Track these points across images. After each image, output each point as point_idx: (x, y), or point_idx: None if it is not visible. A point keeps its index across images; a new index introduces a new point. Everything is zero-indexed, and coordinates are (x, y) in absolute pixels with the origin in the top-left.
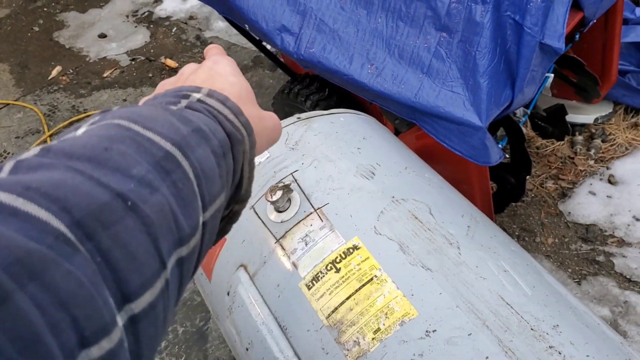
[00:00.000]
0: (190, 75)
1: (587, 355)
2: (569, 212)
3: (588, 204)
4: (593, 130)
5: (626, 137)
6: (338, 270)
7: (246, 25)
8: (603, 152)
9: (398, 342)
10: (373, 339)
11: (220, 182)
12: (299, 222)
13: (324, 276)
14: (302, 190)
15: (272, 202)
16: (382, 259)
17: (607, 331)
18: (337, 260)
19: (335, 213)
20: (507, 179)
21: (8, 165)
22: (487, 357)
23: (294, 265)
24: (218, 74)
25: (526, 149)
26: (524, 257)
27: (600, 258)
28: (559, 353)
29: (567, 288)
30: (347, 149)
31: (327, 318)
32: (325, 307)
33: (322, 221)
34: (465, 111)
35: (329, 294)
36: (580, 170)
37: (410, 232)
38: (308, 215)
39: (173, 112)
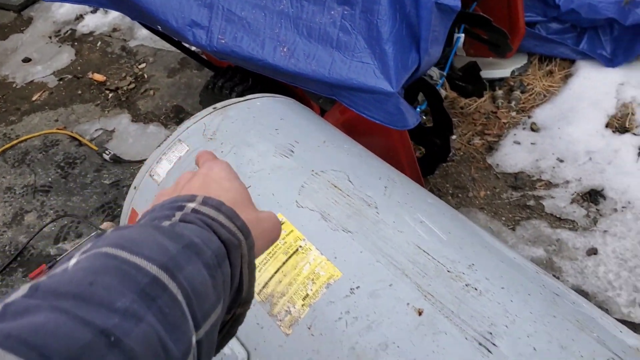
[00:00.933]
0: (185, 184)
1: (502, 287)
2: (497, 164)
3: (514, 154)
4: (512, 83)
5: (543, 85)
6: (269, 251)
7: (158, 27)
8: (523, 103)
9: (326, 304)
10: (302, 305)
11: (215, 295)
12: None
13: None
14: None
15: None
16: (306, 229)
17: (523, 263)
18: None
19: (257, 194)
20: (433, 141)
21: None
22: (407, 304)
23: None
24: (213, 180)
25: (445, 109)
26: (440, 207)
27: (531, 202)
28: (475, 289)
29: (502, 235)
30: (265, 131)
31: (258, 294)
32: (256, 284)
33: None
34: (376, 79)
35: (259, 271)
36: (504, 122)
37: (330, 201)
38: None
39: (164, 231)
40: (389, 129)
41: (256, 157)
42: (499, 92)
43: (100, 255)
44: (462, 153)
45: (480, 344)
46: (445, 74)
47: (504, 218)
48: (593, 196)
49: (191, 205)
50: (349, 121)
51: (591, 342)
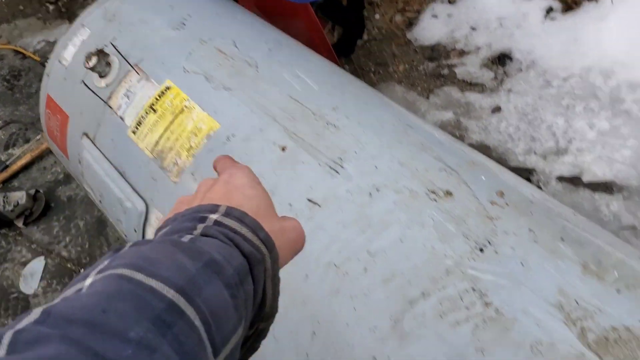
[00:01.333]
0: (207, 192)
1: (359, 123)
2: (416, 39)
3: (432, 27)
4: None
5: None
6: (155, 111)
7: None
8: None
9: (206, 152)
10: (187, 156)
11: (236, 316)
12: (120, 81)
13: (145, 119)
14: (119, 52)
15: (92, 69)
16: (190, 91)
17: (387, 101)
18: (154, 103)
19: (149, 65)
20: (347, 18)
21: (7, 338)
22: (274, 143)
23: (121, 118)
24: (235, 188)
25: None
26: (319, 64)
27: (445, 71)
28: (334, 126)
29: (416, 104)
30: (160, 7)
31: (151, 152)
32: (149, 144)
33: (139, 75)
34: None
35: (151, 132)
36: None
37: (214, 64)
38: (127, 73)
39: (184, 247)
40: (297, 8)
41: (150, 31)
42: None
43: (115, 278)
44: (384, 32)
45: (330, 167)
46: None
47: (419, 88)
48: (501, 59)
49: (213, 216)
50: (260, 1)
51: (429, 159)
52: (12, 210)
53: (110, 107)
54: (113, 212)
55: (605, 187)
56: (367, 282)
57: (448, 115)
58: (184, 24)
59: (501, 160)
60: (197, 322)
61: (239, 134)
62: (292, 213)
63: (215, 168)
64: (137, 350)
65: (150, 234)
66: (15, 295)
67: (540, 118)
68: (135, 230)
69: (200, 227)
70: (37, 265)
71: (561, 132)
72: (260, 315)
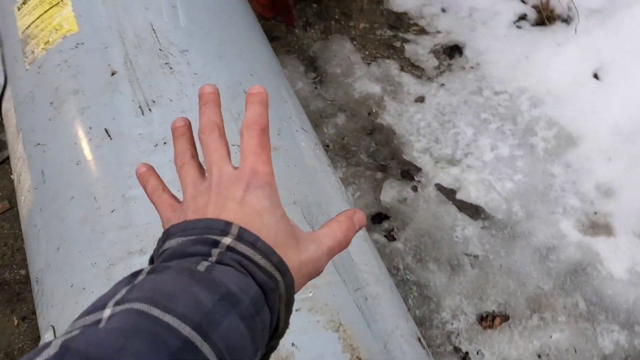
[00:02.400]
0: (218, 197)
1: (196, 73)
2: (389, 1)
3: None
4: None
5: None
6: None
7: None
8: None
9: (57, 51)
10: (42, 49)
11: (252, 347)
12: None
13: (29, 1)
14: None
15: None
16: None
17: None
18: None
19: None
20: None
21: None
22: (108, 65)
23: None
24: (253, 212)
25: None
26: (208, 3)
27: (397, 44)
28: (170, 68)
29: (355, 67)
30: None
31: (22, 33)
32: (23, 25)
33: None
34: None
35: (29, 15)
36: None
37: None
38: None
39: (200, 278)
40: None
41: None
42: None
43: (132, 314)
44: None
45: (140, 107)
46: None
47: (367, 52)
48: (452, 51)
49: (226, 241)
50: None
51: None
52: None
53: None
54: None
55: (472, 211)
56: (108, 221)
57: (375, 89)
58: None
59: (397, 150)
60: (213, 359)
61: (87, 45)
62: (89, 135)
63: (241, 152)
64: None
65: (4, 107)
66: None
67: (453, 122)
68: None
69: (214, 252)
70: None
71: (463, 144)
72: (274, 337)
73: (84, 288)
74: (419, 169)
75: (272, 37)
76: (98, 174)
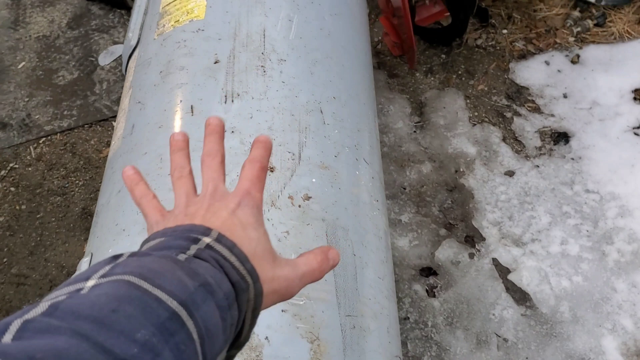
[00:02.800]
0: (208, 209)
1: (294, 77)
2: (515, 71)
3: (535, 70)
4: (594, 11)
5: (623, 28)
6: None
7: None
8: (589, 34)
9: (181, 31)
10: (172, 25)
11: (223, 337)
12: None
13: None
14: None
15: None
16: None
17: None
18: None
19: None
20: (458, 14)
21: (15, 325)
22: (216, 54)
23: None
24: (239, 224)
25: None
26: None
27: (508, 114)
28: (264, 71)
29: (459, 124)
30: None
31: (162, 8)
32: (165, 2)
33: None
34: None
35: None
36: (555, 42)
37: None
38: None
39: (182, 265)
40: None
41: None
42: (575, 13)
43: (123, 284)
44: (499, 48)
45: (225, 96)
46: None
47: (476, 113)
48: (559, 137)
49: (206, 240)
50: None
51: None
52: None
53: None
54: (128, 31)
55: (519, 295)
56: (162, 181)
57: (471, 150)
58: None
59: (469, 214)
60: (195, 336)
61: (205, 32)
62: (177, 107)
63: (206, 159)
64: (142, 352)
65: (130, 65)
66: (92, 59)
67: (533, 205)
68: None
69: (193, 248)
70: (120, 49)
71: (535, 229)
72: (236, 343)
73: (123, 229)
74: (482, 239)
75: (393, 74)
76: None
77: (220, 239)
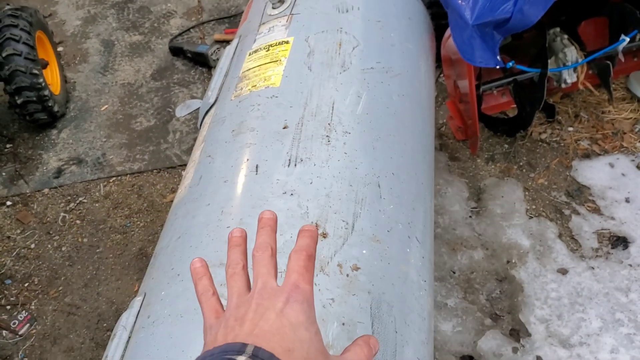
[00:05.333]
0: (258, 306)
1: (356, 149)
2: (577, 169)
3: (599, 171)
4: None
5: None
6: (268, 50)
7: None
8: None
9: (256, 95)
10: (249, 89)
11: None
12: (276, 18)
13: (259, 51)
14: (293, 1)
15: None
16: (293, 55)
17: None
18: (273, 45)
19: (297, 21)
20: (524, 106)
21: None
22: (285, 120)
23: (254, 40)
24: (289, 325)
25: (544, 87)
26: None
27: (566, 212)
28: (328, 141)
29: (515, 215)
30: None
31: (242, 72)
32: (246, 67)
33: (286, 22)
34: (464, 7)
35: (254, 61)
36: (622, 145)
37: (325, 49)
38: (283, 16)
39: None
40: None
41: (319, 5)
42: None
43: None
44: (563, 144)
45: (289, 159)
46: (582, 60)
47: (534, 207)
48: (618, 241)
49: (242, 358)
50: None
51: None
52: (215, 60)
53: (259, 31)
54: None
55: None
56: (220, 233)
57: (525, 243)
58: (347, 11)
59: (517, 307)
60: None
61: (279, 99)
62: (243, 164)
63: (258, 254)
64: None
65: (205, 121)
66: (170, 110)
67: (584, 308)
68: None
69: None
70: (197, 104)
71: (584, 332)
72: None
73: (178, 274)
74: (528, 334)
75: (454, 157)
76: (233, 194)
77: (257, 354)
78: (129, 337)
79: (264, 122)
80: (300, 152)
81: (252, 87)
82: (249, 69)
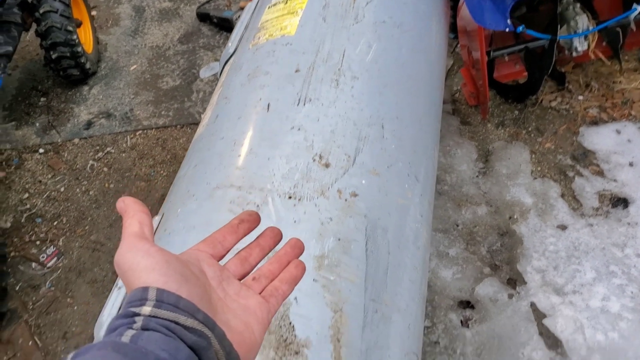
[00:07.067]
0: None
1: (362, 93)
2: (584, 135)
3: (605, 137)
4: None
5: None
6: (286, 3)
7: None
8: None
9: (272, 43)
10: (265, 38)
11: None
12: None
13: (278, 4)
14: None
15: None
16: (309, 7)
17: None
18: None
19: None
20: (534, 73)
21: None
22: (297, 64)
23: None
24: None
25: (553, 55)
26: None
27: (570, 174)
28: (337, 84)
29: (520, 175)
30: None
31: (261, 24)
32: (265, 19)
33: None
34: None
35: (272, 13)
36: (630, 113)
37: (340, 3)
38: None
39: (127, 351)
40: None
41: None
42: None
43: None
44: (572, 112)
45: (299, 99)
46: (593, 28)
47: (539, 169)
48: (618, 202)
49: (146, 310)
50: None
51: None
52: None
53: None
54: (229, 41)
55: (551, 341)
56: (231, 161)
57: (528, 201)
58: None
59: (516, 258)
60: None
61: (293, 46)
62: (256, 103)
63: None
64: None
65: (225, 69)
66: (194, 71)
67: (580, 260)
68: (222, 65)
69: (138, 321)
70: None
71: (578, 282)
72: None
73: (193, 195)
74: (524, 282)
75: (465, 122)
76: (246, 128)
77: (161, 299)
78: None
79: (278, 66)
80: (310, 93)
81: (269, 36)
82: (267, 20)
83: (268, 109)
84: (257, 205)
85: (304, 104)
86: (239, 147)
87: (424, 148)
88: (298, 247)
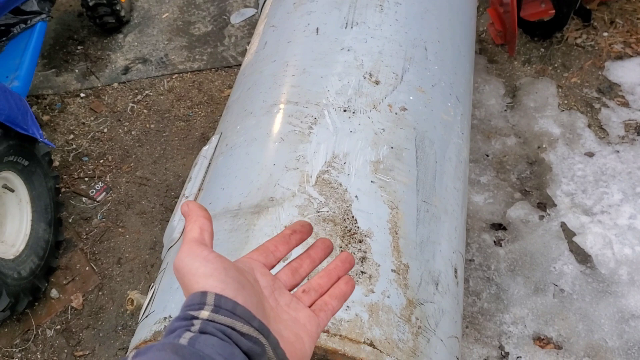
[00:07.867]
0: None
1: (406, 17)
2: (609, 69)
3: (630, 70)
4: None
5: None
6: None
7: None
8: None
9: None
10: None
11: None
12: None
13: None
14: None
15: None
16: None
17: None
18: None
19: None
20: (561, 7)
21: None
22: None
23: None
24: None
25: None
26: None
27: (597, 105)
28: (381, 9)
29: (548, 107)
30: None
31: None
32: None
33: None
34: None
35: None
36: None
37: None
38: None
39: (184, 353)
40: None
41: None
42: None
43: None
44: (597, 48)
45: (346, 23)
46: None
47: (566, 102)
48: None
49: (204, 314)
50: None
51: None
52: None
53: None
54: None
55: (581, 256)
56: (285, 81)
57: (556, 131)
58: None
59: (545, 184)
60: None
61: None
62: (305, 28)
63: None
64: None
65: (267, 2)
66: (225, 17)
67: (607, 184)
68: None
69: (197, 324)
70: (250, 11)
71: (606, 203)
72: None
73: (251, 112)
74: (554, 205)
75: (492, 60)
76: (297, 51)
77: (219, 305)
78: (209, 164)
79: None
80: (357, 17)
81: None
82: None
83: (317, 32)
84: (315, 118)
85: (352, 27)
86: (292, 68)
87: (463, 71)
88: (348, 262)
